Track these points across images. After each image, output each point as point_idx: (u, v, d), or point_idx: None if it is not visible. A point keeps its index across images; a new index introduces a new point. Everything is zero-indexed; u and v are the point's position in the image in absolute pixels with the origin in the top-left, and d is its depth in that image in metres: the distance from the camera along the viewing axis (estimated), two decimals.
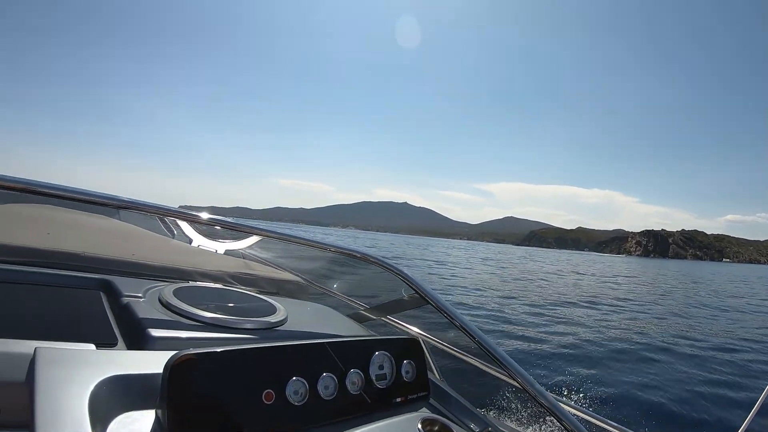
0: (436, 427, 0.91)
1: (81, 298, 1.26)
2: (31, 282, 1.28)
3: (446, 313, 1.19)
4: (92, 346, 0.94)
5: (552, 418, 0.99)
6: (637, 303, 14.53)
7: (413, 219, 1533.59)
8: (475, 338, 1.14)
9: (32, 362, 0.76)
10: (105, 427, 0.71)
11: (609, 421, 1.30)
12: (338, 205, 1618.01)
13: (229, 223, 1.28)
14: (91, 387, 0.72)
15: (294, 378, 0.87)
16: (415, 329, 1.60)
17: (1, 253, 1.38)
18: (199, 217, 1.20)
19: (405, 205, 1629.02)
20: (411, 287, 1.29)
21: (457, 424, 0.97)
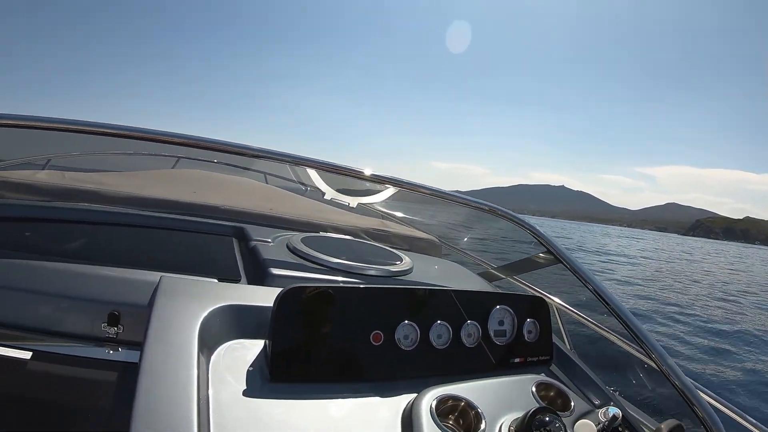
0: (552, 393, 0.85)
1: (214, 242, 1.38)
2: (173, 227, 1.45)
3: (579, 274, 1.11)
4: (215, 280, 1.02)
5: (684, 403, 0.91)
6: None
7: (570, 203, 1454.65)
8: (609, 305, 1.04)
9: (156, 288, 0.84)
10: (213, 350, 0.75)
11: (751, 419, 1.13)
12: (494, 188, 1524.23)
13: (361, 172, 1.24)
14: (205, 313, 0.77)
15: (405, 322, 0.84)
16: (544, 292, 1.49)
17: (156, 206, 1.61)
18: (341, 167, 1.22)
19: (562, 189, 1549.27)
20: (543, 244, 1.23)
21: (576, 394, 0.89)
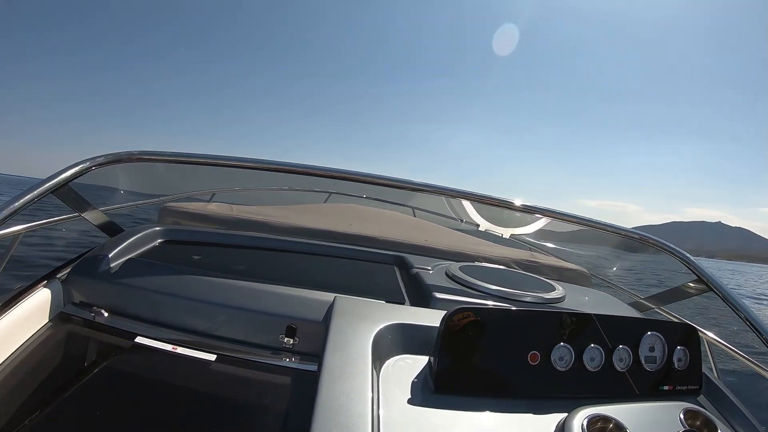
0: (699, 421, 0.83)
1: (378, 269, 1.49)
2: (340, 255, 1.58)
3: (731, 303, 1.11)
4: (382, 301, 1.11)
5: None
6: None
7: (728, 241, 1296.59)
8: (762, 335, 1.03)
9: (330, 307, 0.96)
10: (383, 362, 0.84)
11: None
12: (646, 226, 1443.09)
13: (512, 204, 1.31)
14: (376, 330, 0.86)
15: (561, 344, 0.86)
16: (694, 324, 1.39)
17: (321, 236, 1.77)
18: (494, 199, 1.32)
19: (718, 225, 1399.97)
20: (694, 273, 1.23)
21: (724, 424, 0.89)
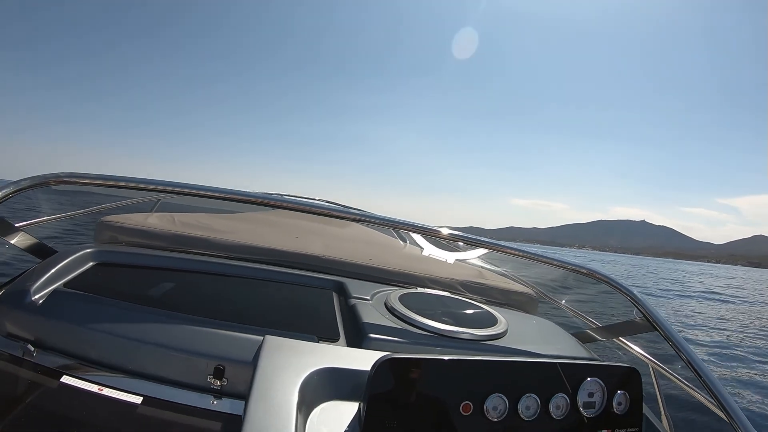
0: None
1: (315, 297, 1.41)
2: (276, 280, 1.50)
3: (674, 343, 1.12)
4: (315, 339, 1.07)
5: None
6: None
7: (652, 239, 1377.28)
8: (701, 377, 1.05)
9: (260, 347, 0.90)
10: (310, 410, 0.79)
11: None
12: (573, 224, 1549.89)
13: (458, 235, 1.28)
14: (305, 374, 0.82)
15: (495, 394, 0.84)
16: (642, 353, 1.43)
17: (264, 254, 1.68)
18: (435, 230, 1.27)
19: (643, 224, 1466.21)
20: (640, 310, 1.21)
21: None
